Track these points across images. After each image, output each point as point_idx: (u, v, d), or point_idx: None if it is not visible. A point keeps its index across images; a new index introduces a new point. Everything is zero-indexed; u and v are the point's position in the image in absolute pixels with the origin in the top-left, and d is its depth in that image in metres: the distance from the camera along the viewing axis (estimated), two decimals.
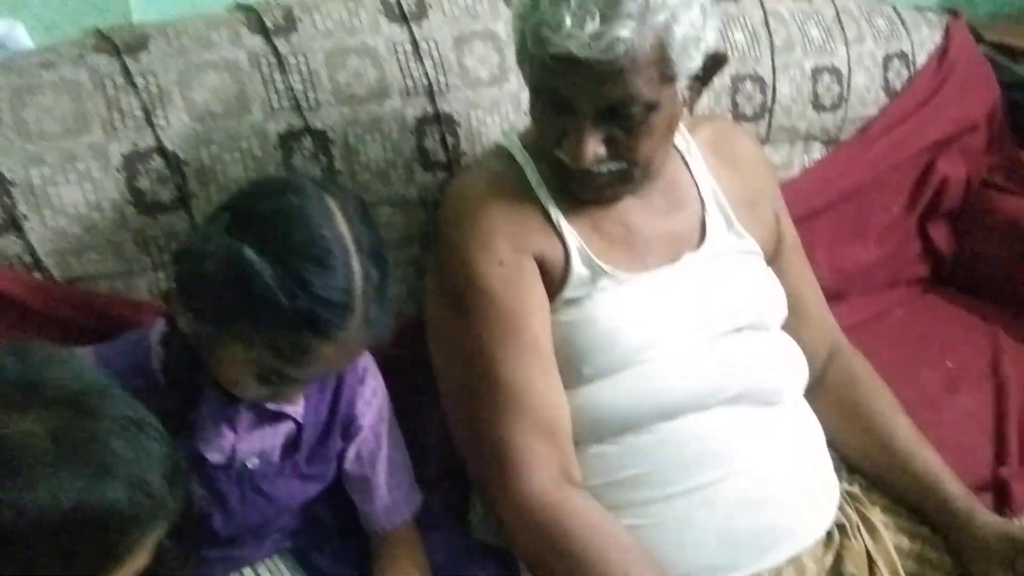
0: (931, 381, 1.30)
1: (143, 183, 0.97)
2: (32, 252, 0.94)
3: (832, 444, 1.04)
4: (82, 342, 0.89)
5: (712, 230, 0.99)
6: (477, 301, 0.91)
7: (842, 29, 1.41)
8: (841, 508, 0.99)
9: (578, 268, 0.93)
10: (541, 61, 0.83)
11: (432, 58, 1.09)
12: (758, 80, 1.32)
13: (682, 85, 0.86)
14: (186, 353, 0.82)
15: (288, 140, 1.03)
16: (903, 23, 1.48)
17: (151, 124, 0.97)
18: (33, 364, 0.64)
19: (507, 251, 0.91)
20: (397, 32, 1.09)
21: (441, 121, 1.10)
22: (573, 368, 0.91)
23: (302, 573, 0.97)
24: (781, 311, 1.03)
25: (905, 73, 1.47)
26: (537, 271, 0.92)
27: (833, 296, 1.20)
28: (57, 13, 1.08)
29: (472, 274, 0.91)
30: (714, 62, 0.89)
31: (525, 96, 0.92)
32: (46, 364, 0.65)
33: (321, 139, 1.04)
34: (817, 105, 1.39)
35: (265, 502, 0.90)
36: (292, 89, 1.03)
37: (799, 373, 1.02)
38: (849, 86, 1.41)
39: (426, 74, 1.09)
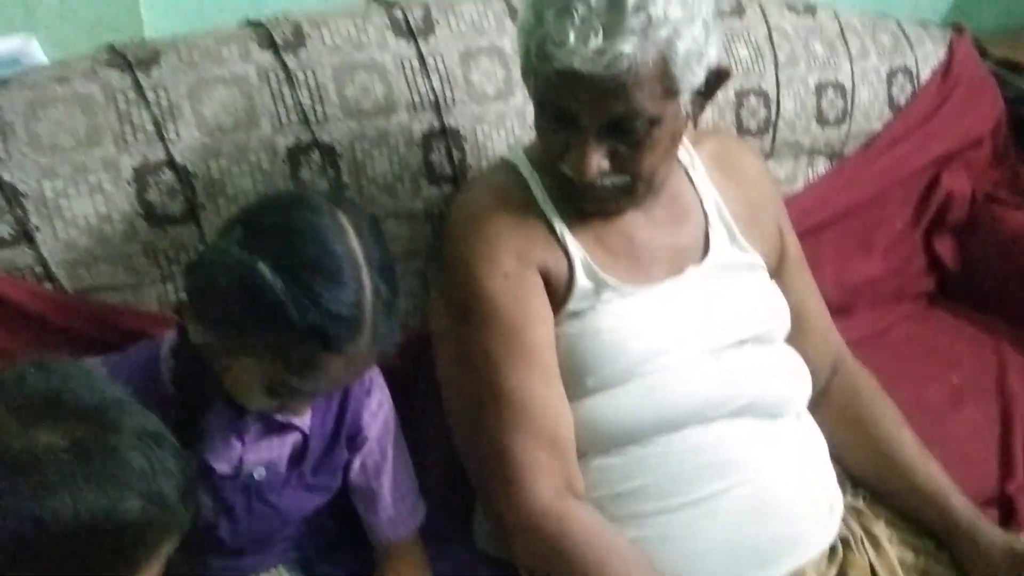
0: (936, 395, 1.30)
1: (153, 195, 0.98)
2: (43, 263, 0.95)
3: (836, 457, 1.04)
4: (92, 352, 0.90)
5: (715, 243, 1.00)
6: (482, 313, 0.91)
7: (846, 44, 1.41)
8: (845, 521, 0.99)
9: (582, 280, 0.93)
10: (545, 76, 0.84)
11: (439, 73, 1.11)
12: (762, 95, 1.33)
13: (685, 100, 0.87)
14: (196, 364, 0.83)
15: (296, 154, 1.04)
16: (907, 38, 1.49)
17: (162, 138, 0.98)
18: (55, 378, 0.66)
19: (512, 263, 0.92)
20: (404, 48, 1.10)
21: (447, 135, 1.11)
22: (577, 380, 0.92)
23: None
24: (785, 324, 1.03)
25: (909, 88, 1.48)
26: (541, 283, 0.93)
27: (838, 310, 1.20)
28: (71, 29, 1.09)
29: (477, 286, 0.92)
30: (717, 77, 0.89)
31: (530, 111, 0.93)
32: (67, 378, 0.66)
33: (329, 153, 1.05)
34: (821, 120, 1.39)
35: (271, 512, 0.91)
36: (300, 103, 1.04)
37: (803, 386, 1.02)
38: (853, 101, 1.41)
39: (433, 89, 1.10)
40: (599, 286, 0.93)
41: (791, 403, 1.00)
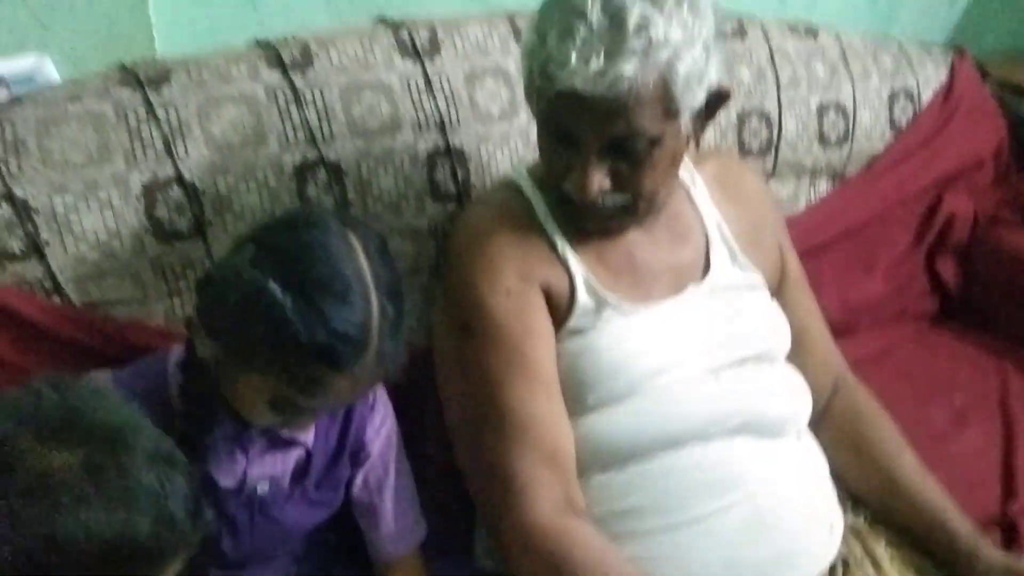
0: (939, 416, 1.29)
1: (162, 212, 0.99)
2: (52, 277, 0.96)
3: (837, 477, 1.04)
4: (99, 366, 0.91)
5: (716, 263, 1.01)
6: (484, 330, 0.92)
7: (847, 66, 1.42)
8: (845, 541, 0.99)
9: (583, 298, 0.94)
10: (547, 97, 0.85)
11: (444, 93, 1.12)
12: (764, 116, 1.34)
13: (685, 120, 0.88)
14: (203, 378, 0.84)
15: (303, 171, 1.05)
16: (909, 60, 1.50)
17: (171, 155, 1.00)
18: (71, 397, 0.66)
19: (514, 281, 0.92)
20: (410, 68, 1.12)
21: (452, 154, 1.12)
22: (577, 397, 0.92)
23: None
24: (785, 343, 1.03)
25: (911, 110, 1.48)
26: (543, 301, 0.93)
27: (840, 331, 1.20)
28: (84, 47, 1.10)
29: (479, 303, 0.92)
30: (718, 98, 0.90)
31: (533, 130, 0.94)
32: (84, 398, 0.67)
33: (335, 171, 1.06)
34: (823, 141, 1.40)
35: (273, 526, 0.91)
36: (308, 122, 1.05)
37: (803, 405, 1.02)
38: (855, 122, 1.42)
39: (438, 109, 1.11)
40: (600, 304, 0.94)
41: (791, 422, 1.00)
